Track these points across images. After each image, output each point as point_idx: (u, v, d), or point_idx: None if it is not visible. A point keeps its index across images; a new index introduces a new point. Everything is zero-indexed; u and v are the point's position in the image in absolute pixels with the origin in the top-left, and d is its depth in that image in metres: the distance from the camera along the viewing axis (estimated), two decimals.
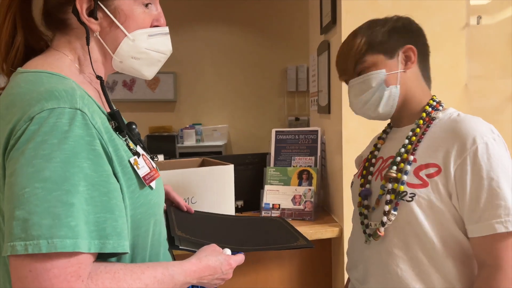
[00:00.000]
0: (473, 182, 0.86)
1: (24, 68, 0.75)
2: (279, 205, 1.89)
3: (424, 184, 0.91)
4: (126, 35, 0.79)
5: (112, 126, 0.75)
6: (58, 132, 0.63)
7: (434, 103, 1.04)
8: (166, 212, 1.09)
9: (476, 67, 1.80)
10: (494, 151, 0.87)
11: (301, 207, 1.86)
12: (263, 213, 1.87)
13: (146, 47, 0.81)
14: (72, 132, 0.64)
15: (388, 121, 1.14)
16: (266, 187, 1.94)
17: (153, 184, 0.78)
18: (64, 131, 0.64)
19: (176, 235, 0.93)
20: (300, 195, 1.89)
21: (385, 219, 0.95)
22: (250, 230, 1.15)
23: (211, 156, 1.95)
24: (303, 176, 1.95)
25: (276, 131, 2.11)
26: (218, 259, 0.83)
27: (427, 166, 0.92)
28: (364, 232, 1.02)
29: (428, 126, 0.99)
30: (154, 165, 0.84)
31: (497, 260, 0.84)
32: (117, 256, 0.73)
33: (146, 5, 0.81)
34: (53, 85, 0.69)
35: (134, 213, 0.74)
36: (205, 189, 1.61)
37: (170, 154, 4.45)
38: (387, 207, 0.95)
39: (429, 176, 0.91)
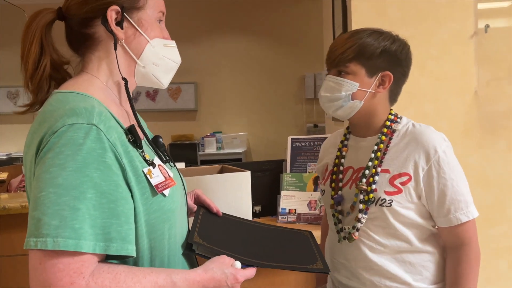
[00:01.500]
0: (438, 184, 1.07)
1: (59, 89, 0.86)
2: (295, 210, 1.96)
3: (399, 191, 1.09)
4: (148, 42, 0.89)
5: (129, 140, 0.83)
6: (73, 144, 0.73)
7: (392, 117, 1.16)
8: (195, 214, 1.14)
9: (485, 73, 1.84)
10: (450, 157, 1.08)
11: (317, 211, 1.93)
12: (280, 218, 1.95)
13: (164, 54, 0.92)
14: (86, 145, 0.73)
15: (347, 123, 1.26)
16: (283, 192, 2.01)
17: (166, 192, 0.85)
18: (79, 144, 0.73)
19: (192, 241, 0.96)
20: (316, 200, 1.96)
21: (359, 224, 1.13)
22: (271, 242, 1.13)
23: (230, 163, 2.03)
24: (318, 182, 2.01)
25: (292, 139, 2.19)
26: (224, 272, 0.84)
27: (400, 175, 1.09)
28: (338, 233, 1.19)
29: (390, 139, 1.14)
30: (171, 174, 0.91)
31: (464, 239, 1.09)
32: (130, 259, 0.80)
33: (159, 21, 0.93)
34: (76, 103, 0.78)
35: (148, 218, 0.82)
36: (224, 194, 1.69)
37: (192, 161, 4.57)
38: (360, 215, 1.12)
39: (403, 184, 1.09)
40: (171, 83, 4.73)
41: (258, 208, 2.07)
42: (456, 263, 1.09)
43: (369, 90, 1.11)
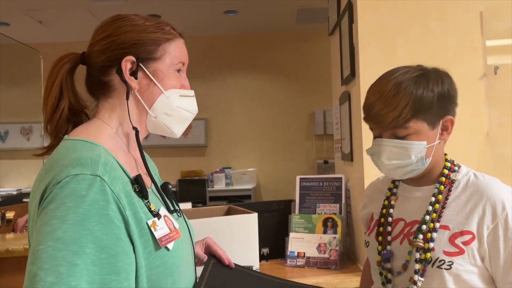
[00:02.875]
0: (506, 246, 0.93)
1: (69, 135, 0.86)
2: (304, 253, 1.90)
3: (461, 252, 0.95)
4: (162, 92, 0.89)
5: (135, 190, 0.81)
6: (76, 196, 0.71)
7: (449, 164, 1.05)
8: (205, 264, 1.09)
9: (497, 115, 1.81)
10: None
11: (326, 255, 1.87)
12: (288, 261, 1.89)
13: (178, 105, 0.90)
14: (89, 197, 0.72)
15: None
16: (291, 234, 1.97)
17: (170, 245, 0.82)
18: (82, 196, 0.71)
19: None
20: (325, 243, 1.90)
21: (414, 287, 0.99)
22: None
23: (237, 203, 2.00)
24: (328, 224, 1.97)
25: (301, 178, 2.16)
26: None
27: (462, 233, 0.96)
28: None
29: (449, 190, 1.01)
30: (177, 226, 0.89)
31: None
32: None
33: (178, 71, 0.92)
34: (83, 153, 0.78)
35: (150, 273, 0.79)
36: (230, 237, 1.66)
37: (200, 197, 4.54)
38: (416, 276, 0.98)
39: (465, 243, 0.96)
40: None
41: (266, 251, 2.02)
42: None
43: (436, 143, 0.99)
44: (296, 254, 1.91)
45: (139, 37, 0.87)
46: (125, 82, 0.87)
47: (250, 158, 5.23)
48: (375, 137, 1.03)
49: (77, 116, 0.91)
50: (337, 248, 1.85)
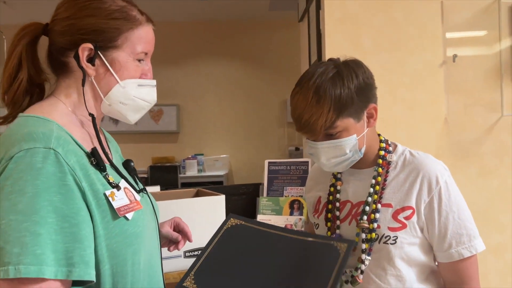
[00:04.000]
0: (440, 217, 1.01)
1: (24, 112, 0.86)
2: None
3: (404, 226, 1.02)
4: (118, 82, 0.89)
5: (92, 163, 0.83)
6: (32, 169, 0.72)
7: (384, 145, 1.11)
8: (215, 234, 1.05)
9: (455, 102, 1.90)
10: (451, 188, 1.03)
11: None
12: None
13: (134, 95, 0.91)
14: (45, 169, 0.73)
15: None
16: (259, 216, 2.01)
17: (129, 215, 0.84)
18: (38, 168, 0.73)
19: (182, 287, 0.92)
20: (292, 225, 1.95)
21: (362, 266, 1.05)
22: (281, 270, 0.97)
23: (206, 187, 2.03)
24: (295, 206, 2.02)
25: (269, 162, 2.20)
26: None
27: (403, 209, 1.03)
28: None
29: (387, 172, 1.08)
30: (138, 198, 0.91)
31: (464, 278, 1.01)
32: (90, 284, 0.78)
33: (139, 61, 0.91)
34: (34, 128, 0.78)
35: (109, 243, 0.80)
36: (198, 219, 1.67)
37: (172, 184, 4.53)
38: (363, 255, 1.04)
39: (407, 218, 1.02)
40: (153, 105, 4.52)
41: None
42: None
43: (365, 132, 1.05)
44: None
45: (100, 24, 0.86)
46: (82, 68, 0.86)
47: (223, 145, 5.24)
48: (309, 139, 1.07)
49: (38, 88, 0.90)
50: (303, 228, 1.91)
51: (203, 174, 4.92)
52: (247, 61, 5.21)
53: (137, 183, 0.98)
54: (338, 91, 0.99)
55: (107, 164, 0.88)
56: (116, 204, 0.82)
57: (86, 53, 0.86)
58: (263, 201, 2.05)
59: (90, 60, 0.87)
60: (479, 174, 1.92)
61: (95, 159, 0.84)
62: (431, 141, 1.91)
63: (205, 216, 1.68)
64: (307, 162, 2.11)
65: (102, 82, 0.89)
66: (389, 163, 1.08)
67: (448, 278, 1.05)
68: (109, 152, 0.97)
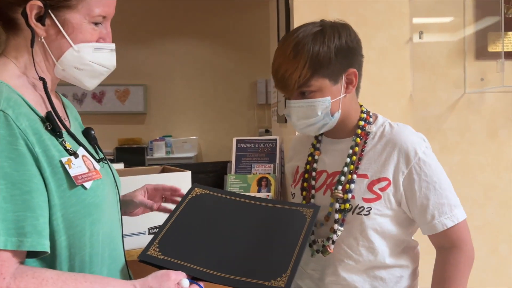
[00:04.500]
0: (420, 188, 0.99)
1: None
2: None
3: (378, 197, 1.02)
4: (71, 46, 0.83)
5: (47, 128, 0.78)
6: None
7: (365, 115, 1.10)
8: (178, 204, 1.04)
9: (420, 79, 1.93)
10: (430, 158, 1.02)
11: None
12: None
13: (90, 59, 0.85)
14: None
15: None
16: None
17: (87, 184, 0.80)
18: None
19: (145, 256, 0.90)
20: None
21: (334, 236, 1.04)
22: (253, 235, 0.97)
23: (173, 165, 1.99)
24: (262, 183, 2.01)
25: (237, 140, 2.18)
26: None
27: (378, 180, 1.02)
28: (310, 246, 1.09)
29: (365, 142, 1.06)
30: (98, 167, 0.87)
31: (454, 242, 1.01)
32: (47, 257, 0.74)
33: (96, 24, 0.86)
34: None
35: (66, 212, 0.77)
36: None
37: (139, 166, 4.43)
38: (336, 226, 1.03)
39: (382, 189, 1.02)
40: (119, 84, 4.60)
41: None
42: (443, 265, 1.02)
43: (341, 96, 1.03)
44: None
45: None
46: (30, 27, 0.80)
47: (192, 126, 5.17)
48: (284, 97, 1.07)
49: None
50: None
51: (171, 156, 4.86)
52: (216, 41, 5.12)
53: (97, 153, 0.94)
54: (317, 48, 0.97)
55: (64, 131, 0.83)
56: (73, 172, 0.78)
57: (35, 11, 0.80)
58: (231, 178, 2.03)
59: (40, 19, 0.80)
60: (441, 149, 1.97)
61: (50, 124, 0.79)
62: (396, 117, 1.93)
63: None
64: (275, 139, 2.10)
65: (53, 44, 0.83)
66: (367, 133, 1.07)
67: (437, 243, 1.05)
68: (66, 119, 0.92)
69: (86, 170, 0.81)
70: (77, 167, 0.79)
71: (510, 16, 1.79)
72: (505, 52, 1.83)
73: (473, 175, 1.97)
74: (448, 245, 1.02)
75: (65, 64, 0.84)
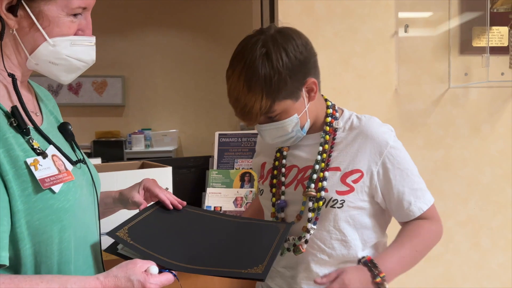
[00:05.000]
0: (395, 176, 1.01)
1: None
2: (221, 207, 1.90)
3: (351, 190, 1.01)
4: (46, 40, 0.77)
5: (12, 124, 0.72)
6: None
7: (331, 111, 1.08)
8: (144, 209, 0.99)
9: (405, 72, 1.92)
10: (400, 147, 1.04)
11: (243, 209, 1.88)
12: None
13: (67, 54, 0.80)
14: None
15: None
16: (208, 189, 1.95)
17: (56, 187, 0.74)
18: None
19: (113, 235, 0.85)
20: (242, 197, 1.91)
21: (307, 236, 1.03)
22: (225, 239, 0.97)
23: (153, 160, 1.93)
24: (245, 178, 1.97)
25: (219, 134, 2.13)
26: (130, 279, 0.72)
27: (351, 172, 1.01)
28: None
29: (334, 138, 1.06)
30: (70, 168, 0.80)
31: (429, 218, 1.04)
32: (11, 267, 0.69)
33: (75, 15, 0.80)
34: None
35: (31, 219, 0.71)
36: None
37: (117, 159, 4.33)
38: (309, 225, 1.02)
39: (355, 181, 1.01)
40: (96, 76, 4.45)
41: None
42: (415, 225, 1.03)
43: (306, 108, 1.02)
44: (212, 208, 1.89)
45: None
46: (0, 17, 0.75)
47: (172, 119, 5.07)
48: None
49: None
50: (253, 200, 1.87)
51: (150, 149, 4.76)
52: (197, 32, 5.02)
53: (74, 151, 0.87)
54: (268, 76, 0.93)
55: (31, 127, 0.77)
56: (39, 175, 0.72)
57: (5, 1, 0.74)
58: (213, 174, 1.98)
59: (12, 9, 0.74)
60: (425, 144, 1.97)
61: (16, 120, 0.72)
62: (381, 111, 1.92)
63: None
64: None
65: (26, 37, 0.77)
66: (335, 130, 1.06)
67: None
68: (38, 113, 0.85)
69: (56, 172, 0.75)
70: (45, 168, 0.73)
71: (495, 10, 1.79)
72: (490, 47, 1.83)
73: (456, 170, 1.98)
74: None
75: (39, 58, 0.79)
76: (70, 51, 0.80)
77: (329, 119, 1.07)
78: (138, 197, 1.02)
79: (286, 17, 1.78)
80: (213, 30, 5.02)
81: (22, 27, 0.76)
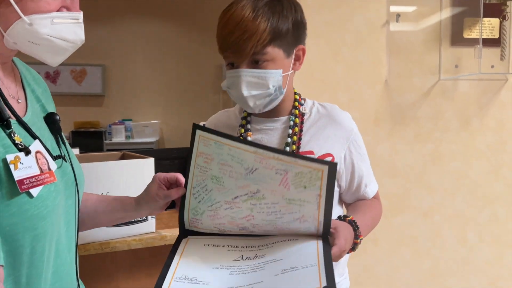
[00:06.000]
0: (357, 160, 1.08)
1: None
2: None
3: None
4: (20, 17, 0.68)
5: None
6: None
7: (298, 97, 1.10)
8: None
9: (395, 64, 1.88)
10: (359, 133, 1.10)
11: None
12: None
13: (49, 33, 0.71)
14: None
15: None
16: None
17: (34, 191, 0.66)
18: None
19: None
20: None
21: None
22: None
23: (134, 151, 1.85)
24: None
25: (204, 125, 2.06)
26: None
27: (324, 156, 1.04)
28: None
29: (302, 122, 1.07)
30: (53, 168, 0.72)
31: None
32: None
33: None
34: None
35: (0, 224, 0.62)
36: (124, 183, 1.50)
37: (97, 150, 4.22)
38: None
39: None
40: (75, 64, 4.28)
41: None
42: (367, 201, 1.11)
43: (290, 72, 1.00)
44: None
45: None
46: None
47: (153, 110, 4.97)
48: (230, 69, 1.00)
49: None
50: None
51: (131, 140, 4.66)
52: (180, 21, 4.91)
53: (59, 146, 0.78)
54: (277, 17, 0.95)
55: (13, 120, 0.69)
56: (18, 175, 0.64)
57: None
58: None
59: None
60: (415, 137, 1.95)
61: None
62: (371, 103, 1.89)
63: (133, 181, 1.51)
64: None
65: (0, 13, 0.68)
66: (302, 114, 1.07)
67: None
68: (19, 100, 0.76)
69: (37, 172, 0.66)
70: (26, 167, 0.65)
71: (487, 1, 1.76)
72: (482, 39, 1.80)
73: (444, 164, 1.98)
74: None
75: (16, 37, 0.70)
76: (52, 30, 0.71)
77: (297, 103, 1.08)
78: (164, 192, 0.92)
79: None
80: (196, 20, 4.92)
81: None
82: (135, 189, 1.52)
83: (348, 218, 0.96)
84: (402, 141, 1.93)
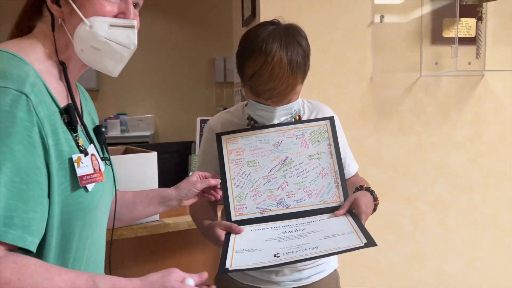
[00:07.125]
0: (341, 141, 1.21)
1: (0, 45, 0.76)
2: None
3: None
4: (82, 20, 0.77)
5: (64, 120, 0.75)
6: None
7: None
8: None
9: (380, 61, 1.99)
10: (338, 120, 1.25)
11: None
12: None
13: (106, 36, 0.78)
14: (12, 113, 0.65)
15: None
16: (191, 174, 1.98)
17: (90, 186, 0.77)
18: (4, 111, 0.65)
19: (228, 271, 0.92)
20: None
21: None
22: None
23: (135, 145, 1.94)
24: None
25: (201, 120, 2.16)
26: (165, 286, 0.72)
27: None
28: None
29: (300, 119, 1.23)
30: (102, 169, 0.83)
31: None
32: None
33: None
34: (9, 66, 0.69)
35: (61, 211, 0.73)
36: (128, 177, 1.60)
37: None
38: None
39: None
40: None
41: None
42: (358, 177, 1.27)
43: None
44: None
45: None
46: (49, 10, 0.80)
47: (148, 104, 5.03)
48: (266, 104, 1.08)
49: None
50: None
51: (126, 134, 4.72)
52: (173, 15, 4.96)
53: (103, 153, 0.90)
54: (303, 61, 1.04)
55: (79, 126, 0.80)
56: (80, 172, 0.75)
57: None
58: (195, 158, 2.02)
59: (55, 0, 0.78)
60: (399, 130, 2.05)
61: (69, 116, 0.75)
62: (357, 98, 2.00)
63: (137, 175, 1.61)
64: None
65: (69, 23, 0.79)
66: (299, 113, 1.22)
67: None
68: (80, 112, 0.88)
69: (92, 171, 0.78)
70: (85, 166, 0.76)
71: (464, 3, 1.88)
72: (459, 38, 1.93)
73: (426, 154, 2.08)
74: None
75: (81, 42, 0.78)
76: (108, 33, 0.78)
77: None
78: (191, 188, 1.09)
79: (267, 2, 1.82)
80: (190, 14, 4.97)
81: (65, 15, 0.79)
82: (139, 182, 1.63)
83: (364, 186, 1.12)
84: (387, 134, 2.04)
